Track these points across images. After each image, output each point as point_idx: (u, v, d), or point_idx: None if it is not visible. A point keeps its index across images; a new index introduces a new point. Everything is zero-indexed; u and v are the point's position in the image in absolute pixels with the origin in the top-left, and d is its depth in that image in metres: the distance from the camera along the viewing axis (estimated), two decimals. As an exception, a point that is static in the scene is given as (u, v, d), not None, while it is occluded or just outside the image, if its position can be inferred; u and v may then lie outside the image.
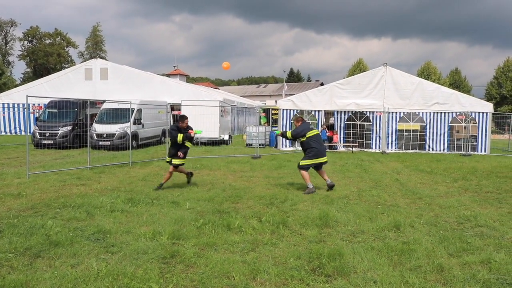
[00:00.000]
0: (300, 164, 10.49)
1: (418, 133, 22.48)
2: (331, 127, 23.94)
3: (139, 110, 22.06)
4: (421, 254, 5.65)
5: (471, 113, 21.95)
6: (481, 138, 22.15)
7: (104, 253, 5.59)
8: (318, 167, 10.60)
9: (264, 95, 75.88)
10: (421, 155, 20.22)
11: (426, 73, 63.91)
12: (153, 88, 31.30)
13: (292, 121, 20.81)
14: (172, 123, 27.36)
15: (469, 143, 21.62)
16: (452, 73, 73.19)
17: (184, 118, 10.52)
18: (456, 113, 22.17)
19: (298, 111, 22.98)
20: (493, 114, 23.13)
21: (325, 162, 10.68)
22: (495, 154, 21.56)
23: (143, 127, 22.41)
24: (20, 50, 73.41)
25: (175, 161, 10.45)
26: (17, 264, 5.10)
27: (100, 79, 31.98)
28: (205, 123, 22.30)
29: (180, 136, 10.21)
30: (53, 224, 6.71)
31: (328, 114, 24.01)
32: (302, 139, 10.56)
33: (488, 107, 22.54)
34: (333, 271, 5.03)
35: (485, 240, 6.36)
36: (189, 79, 70.52)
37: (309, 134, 10.46)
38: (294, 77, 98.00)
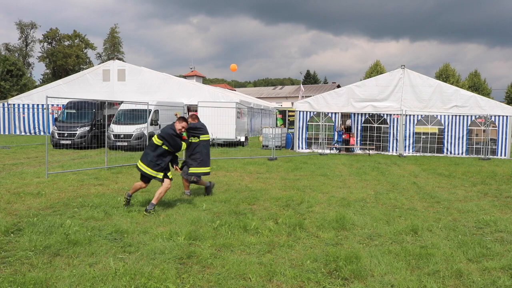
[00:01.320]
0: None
1: (436, 136, 22.23)
2: (347, 129, 23.82)
3: (156, 111, 22.23)
4: (439, 258, 5.58)
5: (491, 116, 21.63)
6: (501, 142, 21.80)
7: (122, 253, 5.63)
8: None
9: (280, 97, 75.86)
10: (439, 159, 19.99)
11: (445, 76, 63.36)
12: (170, 89, 31.50)
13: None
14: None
15: (489, 146, 21.29)
16: (471, 75, 72.31)
17: (184, 120, 8.47)
18: (475, 116, 21.87)
19: (315, 113, 22.92)
20: (514, 117, 22.75)
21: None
22: (515, 158, 21.23)
23: (160, 128, 22.54)
24: (40, 52, 74.60)
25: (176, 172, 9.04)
26: (37, 262, 5.17)
27: (118, 80, 32.29)
28: (221, 124, 22.40)
29: (184, 145, 8.60)
30: (72, 223, 6.79)
31: (345, 116, 23.88)
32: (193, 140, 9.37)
33: (509, 110, 22.17)
34: (350, 274, 5.00)
35: (505, 246, 6.26)
36: (206, 81, 70.88)
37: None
38: (310, 79, 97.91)
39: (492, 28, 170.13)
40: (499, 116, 21.76)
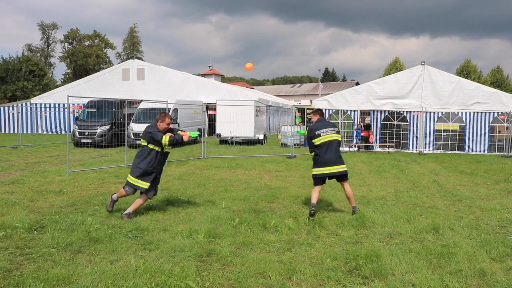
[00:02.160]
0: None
1: (457, 134, 21.90)
2: (367, 127, 23.63)
3: (175, 110, 22.37)
4: (461, 257, 5.50)
5: (513, 112, 21.23)
6: (524, 139, 21.39)
7: (142, 250, 5.68)
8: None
9: (298, 95, 75.69)
10: (460, 156, 19.70)
11: (466, 72, 62.38)
12: (189, 88, 31.70)
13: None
14: (207, 122, 27.73)
15: None
16: (494, 71, 71.05)
17: (166, 116, 7.65)
18: (497, 112, 21.49)
19: (334, 110, 22.79)
20: (538, 113, 22.30)
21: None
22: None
23: (179, 126, 22.66)
24: (61, 52, 75.67)
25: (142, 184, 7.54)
26: (60, 259, 5.25)
27: (137, 79, 32.61)
28: (240, 122, 22.45)
29: (165, 138, 7.36)
30: (93, 221, 6.87)
31: (364, 113, 23.70)
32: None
33: (532, 106, 21.74)
34: (370, 272, 4.96)
35: (529, 245, 6.15)
36: (224, 79, 71.06)
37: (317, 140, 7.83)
38: (329, 77, 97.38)
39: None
40: (522, 112, 21.34)
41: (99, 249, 5.65)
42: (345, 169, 7.80)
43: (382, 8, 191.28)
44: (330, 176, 7.78)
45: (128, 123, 20.59)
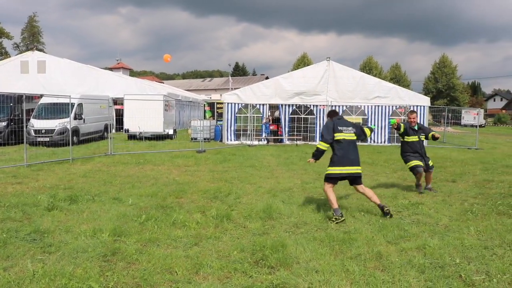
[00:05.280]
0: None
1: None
2: (276, 121, 24.14)
3: (80, 105, 21.32)
4: (361, 242, 5.81)
5: (410, 106, 22.76)
6: (419, 130, 22.97)
7: (41, 254, 5.35)
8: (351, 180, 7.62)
9: (209, 89, 75.42)
10: (363, 147, 20.72)
11: (368, 68, 65.91)
12: (95, 82, 30.40)
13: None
14: (114, 118, 26.79)
15: (408, 135, 22.38)
16: (393, 68, 75.87)
17: None
18: (396, 106, 22.92)
19: (243, 104, 23.01)
20: (430, 107, 24.10)
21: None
22: (432, 146, 22.42)
23: (84, 122, 21.69)
24: None
25: None
26: None
27: (38, 73, 30.66)
28: (149, 117, 21.93)
29: None
30: (-15, 225, 6.36)
31: (273, 107, 24.19)
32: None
33: (426, 100, 23.50)
34: (276, 262, 5.06)
35: (421, 227, 6.63)
36: (133, 73, 69.05)
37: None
38: (239, 71, 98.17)
39: (413, 24, 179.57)
40: (417, 106, 22.95)
41: (-10, 255, 5.23)
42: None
43: (292, 4, 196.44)
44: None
45: (28, 119, 19.32)
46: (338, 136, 7.34)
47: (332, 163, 7.41)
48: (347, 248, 5.62)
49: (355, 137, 7.51)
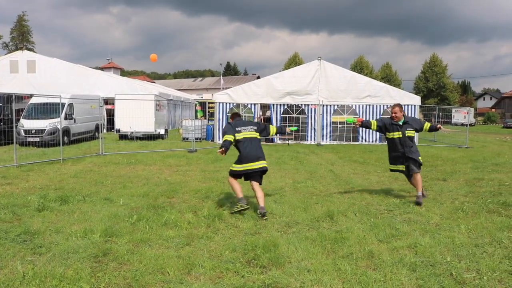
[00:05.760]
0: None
1: (352, 125, 23.11)
2: (267, 120, 24.14)
3: (71, 105, 21.20)
4: (353, 241, 5.81)
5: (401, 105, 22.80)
6: (410, 129, 23.05)
7: (31, 255, 5.30)
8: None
9: (200, 89, 75.39)
10: (354, 147, 20.84)
11: (359, 67, 66.18)
12: (86, 82, 30.28)
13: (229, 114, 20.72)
14: (105, 117, 26.67)
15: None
16: (384, 67, 76.23)
17: None
18: (386, 105, 23.01)
19: (235, 104, 22.98)
20: (420, 106, 24.22)
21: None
22: (422, 145, 22.58)
23: (75, 122, 21.57)
24: None
25: None
26: None
27: (27, 72, 30.45)
28: (140, 117, 21.86)
29: None
30: (-27, 227, 6.30)
31: (265, 107, 24.19)
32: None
33: (416, 99, 23.61)
34: (268, 262, 5.06)
35: (412, 226, 6.65)
36: (124, 73, 68.62)
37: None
38: (231, 71, 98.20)
39: (404, 23, 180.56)
40: (408, 105, 23.04)
41: (-21, 257, 5.18)
42: None
43: (284, 4, 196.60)
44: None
45: (18, 120, 19.18)
46: (238, 136, 7.70)
47: (239, 161, 7.78)
48: (339, 247, 5.63)
49: (256, 134, 7.92)
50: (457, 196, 9.04)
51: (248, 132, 7.78)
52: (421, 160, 8.64)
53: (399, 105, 8.90)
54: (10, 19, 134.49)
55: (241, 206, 7.26)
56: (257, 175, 7.67)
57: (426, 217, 7.23)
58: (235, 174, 7.74)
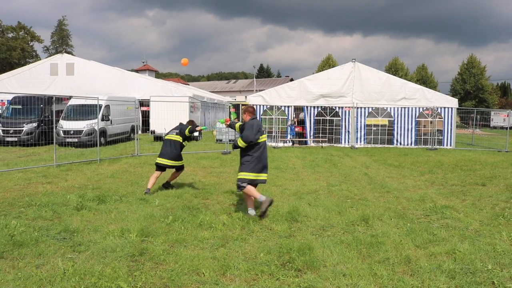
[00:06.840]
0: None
1: (386, 128, 22.79)
2: (301, 122, 24.05)
3: (107, 106, 21.68)
4: (389, 246, 5.73)
5: (437, 108, 22.39)
6: (447, 133, 22.61)
7: (71, 252, 5.46)
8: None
9: (234, 91, 75.78)
10: (389, 150, 20.52)
11: (394, 69, 65.08)
12: (122, 84, 30.88)
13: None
14: (141, 119, 27.14)
15: (435, 137, 22.06)
16: (419, 69, 74.78)
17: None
18: (422, 108, 22.58)
19: (268, 106, 23.01)
20: (457, 109, 23.63)
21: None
22: (460, 148, 22.07)
23: (111, 123, 22.04)
24: (-19, 44, 70.74)
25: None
26: (-21, 266, 4.93)
27: (66, 75, 31.31)
28: (174, 119, 22.07)
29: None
30: (17, 224, 6.51)
31: (298, 109, 24.11)
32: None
33: (453, 102, 23.05)
34: (303, 265, 5.05)
35: (450, 231, 6.51)
36: (159, 75, 69.76)
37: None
38: (264, 73, 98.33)
39: (440, 24, 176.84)
40: (444, 107, 22.55)
41: (23, 253, 5.36)
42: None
43: (317, 6, 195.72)
44: None
45: (57, 120, 19.75)
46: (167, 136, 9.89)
47: (161, 155, 9.67)
48: (374, 251, 5.56)
49: (177, 137, 10.08)
50: (498, 202, 8.78)
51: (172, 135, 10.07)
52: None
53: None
54: (50, 24, 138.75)
55: (145, 192, 9.17)
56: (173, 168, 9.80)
57: (465, 222, 7.06)
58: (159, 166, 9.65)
